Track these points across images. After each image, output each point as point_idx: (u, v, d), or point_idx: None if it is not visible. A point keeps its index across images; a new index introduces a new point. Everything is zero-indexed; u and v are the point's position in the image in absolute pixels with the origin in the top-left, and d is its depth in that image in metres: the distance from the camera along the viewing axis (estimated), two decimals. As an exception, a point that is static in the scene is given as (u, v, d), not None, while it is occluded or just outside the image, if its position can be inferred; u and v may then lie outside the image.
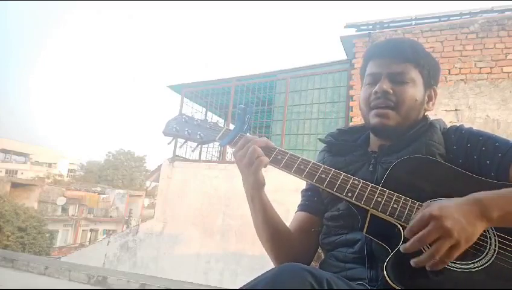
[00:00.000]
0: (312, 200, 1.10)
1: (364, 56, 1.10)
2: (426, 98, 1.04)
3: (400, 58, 1.00)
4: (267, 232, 1.01)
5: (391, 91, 0.98)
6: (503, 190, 0.79)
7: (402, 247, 0.75)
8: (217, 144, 1.05)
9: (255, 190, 0.98)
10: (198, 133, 1.06)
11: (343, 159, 1.04)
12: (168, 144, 1.10)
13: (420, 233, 0.72)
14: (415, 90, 1.00)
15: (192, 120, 1.10)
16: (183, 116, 1.11)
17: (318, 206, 1.08)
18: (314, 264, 1.18)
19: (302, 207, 1.11)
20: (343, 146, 1.08)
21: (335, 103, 6.42)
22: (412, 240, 0.73)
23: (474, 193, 0.78)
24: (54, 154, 43.19)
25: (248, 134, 1.03)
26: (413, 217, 0.78)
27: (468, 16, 5.25)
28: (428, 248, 0.73)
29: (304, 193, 1.14)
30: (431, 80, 1.04)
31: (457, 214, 0.71)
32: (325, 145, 1.13)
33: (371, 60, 1.05)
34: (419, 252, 0.77)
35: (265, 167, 0.95)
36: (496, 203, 0.74)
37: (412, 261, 0.74)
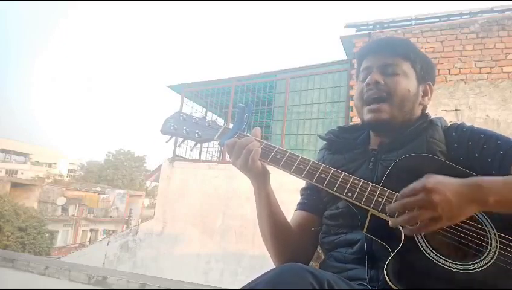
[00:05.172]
0: (311, 199, 1.09)
1: (358, 57, 1.11)
2: (421, 92, 1.04)
3: (390, 53, 1.02)
4: (271, 226, 1.00)
5: (382, 82, 0.99)
6: (507, 177, 0.79)
7: (387, 207, 0.78)
8: (217, 143, 1.05)
9: (261, 180, 0.99)
10: (197, 131, 1.05)
11: (343, 157, 1.04)
12: (166, 142, 1.08)
13: (406, 199, 0.74)
14: (408, 82, 1.00)
15: (190, 118, 1.08)
16: (181, 115, 1.09)
17: (317, 204, 1.07)
18: (314, 265, 1.18)
19: (301, 206, 1.10)
20: (343, 144, 1.08)
21: (335, 103, 6.41)
22: (396, 202, 0.75)
23: (476, 177, 0.78)
24: (54, 154, 43.20)
25: (247, 133, 1.02)
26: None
27: (468, 16, 5.24)
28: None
29: (303, 191, 1.13)
30: (425, 75, 1.04)
31: (449, 193, 0.72)
32: (325, 143, 1.13)
33: (364, 59, 1.07)
34: (420, 255, 0.76)
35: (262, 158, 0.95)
36: (494, 189, 0.75)
37: (390, 221, 0.77)
